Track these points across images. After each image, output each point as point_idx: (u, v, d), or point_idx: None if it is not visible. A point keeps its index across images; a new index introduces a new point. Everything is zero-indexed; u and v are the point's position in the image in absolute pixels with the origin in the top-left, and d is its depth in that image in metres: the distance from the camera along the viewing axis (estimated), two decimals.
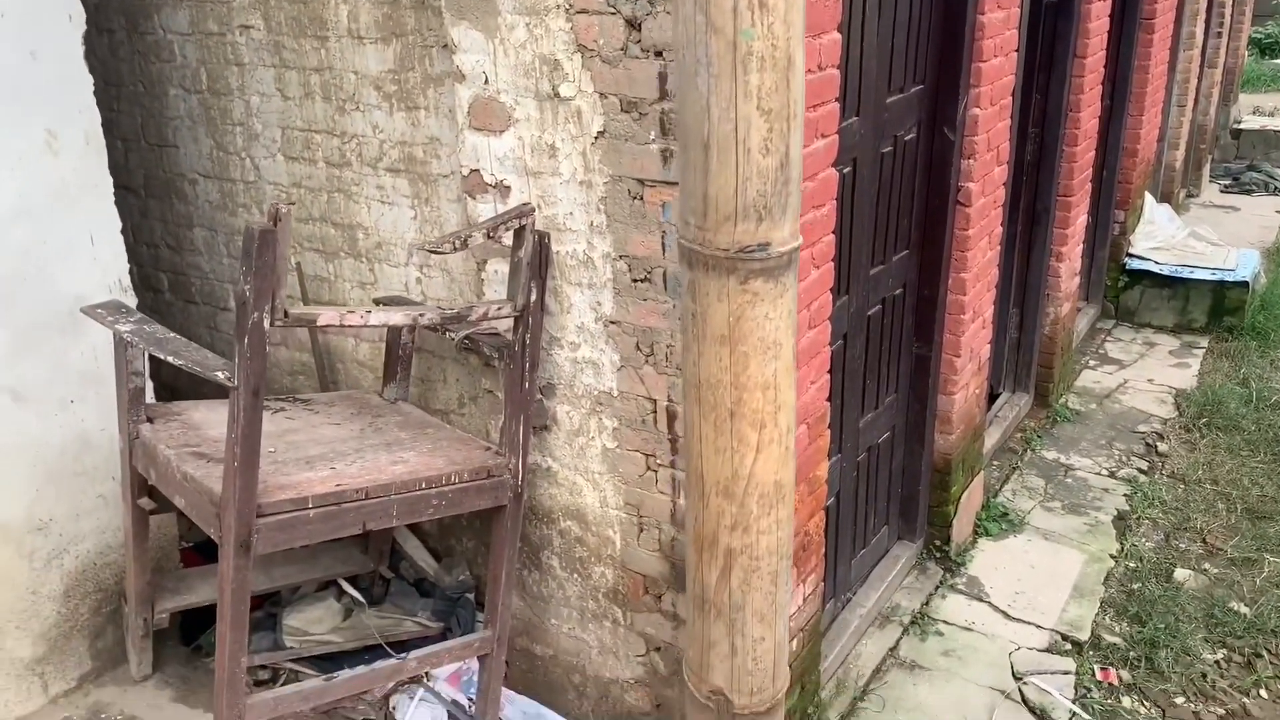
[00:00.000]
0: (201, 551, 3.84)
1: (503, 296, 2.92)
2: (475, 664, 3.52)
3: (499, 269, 2.98)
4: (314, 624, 3.56)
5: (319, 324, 2.41)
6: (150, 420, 2.84)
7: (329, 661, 3.45)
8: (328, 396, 3.32)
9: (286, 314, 2.33)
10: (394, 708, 3.38)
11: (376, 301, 3.32)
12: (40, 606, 3.06)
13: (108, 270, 3.06)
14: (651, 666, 3.14)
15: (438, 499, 2.74)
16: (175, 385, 4.26)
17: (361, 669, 2.78)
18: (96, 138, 3.00)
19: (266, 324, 2.28)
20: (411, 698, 3.38)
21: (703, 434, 0.99)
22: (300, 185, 3.53)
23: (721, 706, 1.10)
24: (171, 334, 2.56)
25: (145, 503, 2.90)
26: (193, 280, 4.11)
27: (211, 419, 2.94)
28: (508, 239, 2.85)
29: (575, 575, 3.21)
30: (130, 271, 3.22)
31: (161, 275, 4.21)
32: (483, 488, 2.83)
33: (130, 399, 2.77)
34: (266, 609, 3.75)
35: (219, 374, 2.33)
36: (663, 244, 2.66)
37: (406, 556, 3.72)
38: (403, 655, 2.85)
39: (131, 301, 3.13)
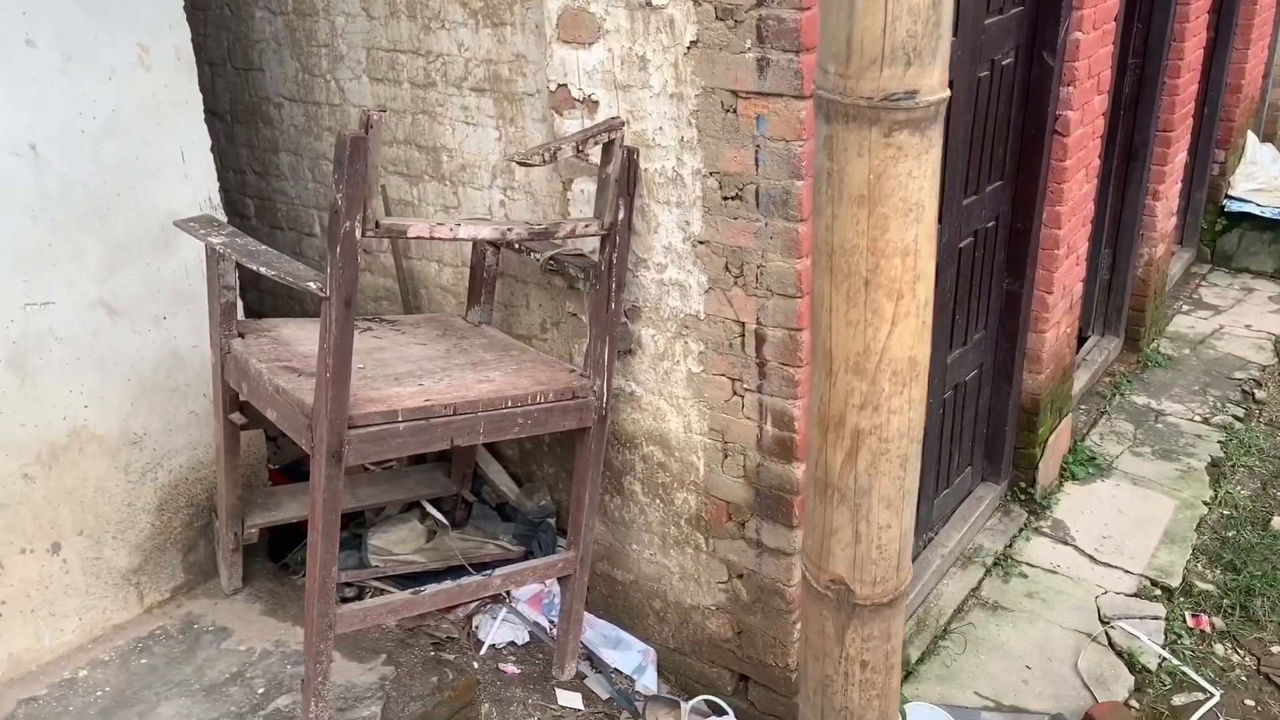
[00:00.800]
0: (288, 473, 3.90)
1: (554, 218, 2.88)
2: (556, 588, 3.54)
3: (585, 188, 2.94)
4: (398, 545, 3.60)
5: (409, 235, 2.39)
6: (241, 335, 2.87)
7: (412, 581, 3.49)
8: (413, 318, 3.32)
9: (377, 224, 2.32)
10: (476, 627, 3.42)
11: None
12: (136, 518, 3.13)
13: (198, 188, 3.08)
14: (734, 593, 3.12)
15: (523, 418, 2.73)
16: (260, 311, 4.32)
17: (448, 583, 2.80)
18: (187, 54, 3.00)
19: (358, 233, 2.27)
20: (494, 618, 3.41)
21: (833, 305, 0.93)
22: (385, 107, 3.51)
23: (841, 596, 1.05)
24: (263, 246, 2.57)
25: (236, 418, 2.94)
26: (279, 206, 4.14)
27: (301, 336, 2.96)
28: (595, 156, 2.80)
29: (657, 501, 3.19)
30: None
31: (248, 201, 4.25)
32: (568, 409, 2.81)
33: (222, 313, 2.80)
34: (352, 529, 3.80)
35: (311, 284, 2.33)
36: (756, 158, 2.59)
37: (488, 481, 3.73)
38: (487, 573, 2.86)
39: (220, 217, 3.15)
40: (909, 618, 3.65)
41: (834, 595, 1.07)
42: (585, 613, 3.26)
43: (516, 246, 3.08)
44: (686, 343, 2.92)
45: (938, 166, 0.93)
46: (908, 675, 3.95)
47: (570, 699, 3.21)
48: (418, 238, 2.45)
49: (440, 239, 2.45)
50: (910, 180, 0.89)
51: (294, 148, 3.95)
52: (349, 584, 3.49)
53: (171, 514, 3.23)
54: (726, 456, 2.97)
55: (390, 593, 3.49)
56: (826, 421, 1.01)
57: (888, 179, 0.88)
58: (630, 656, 3.37)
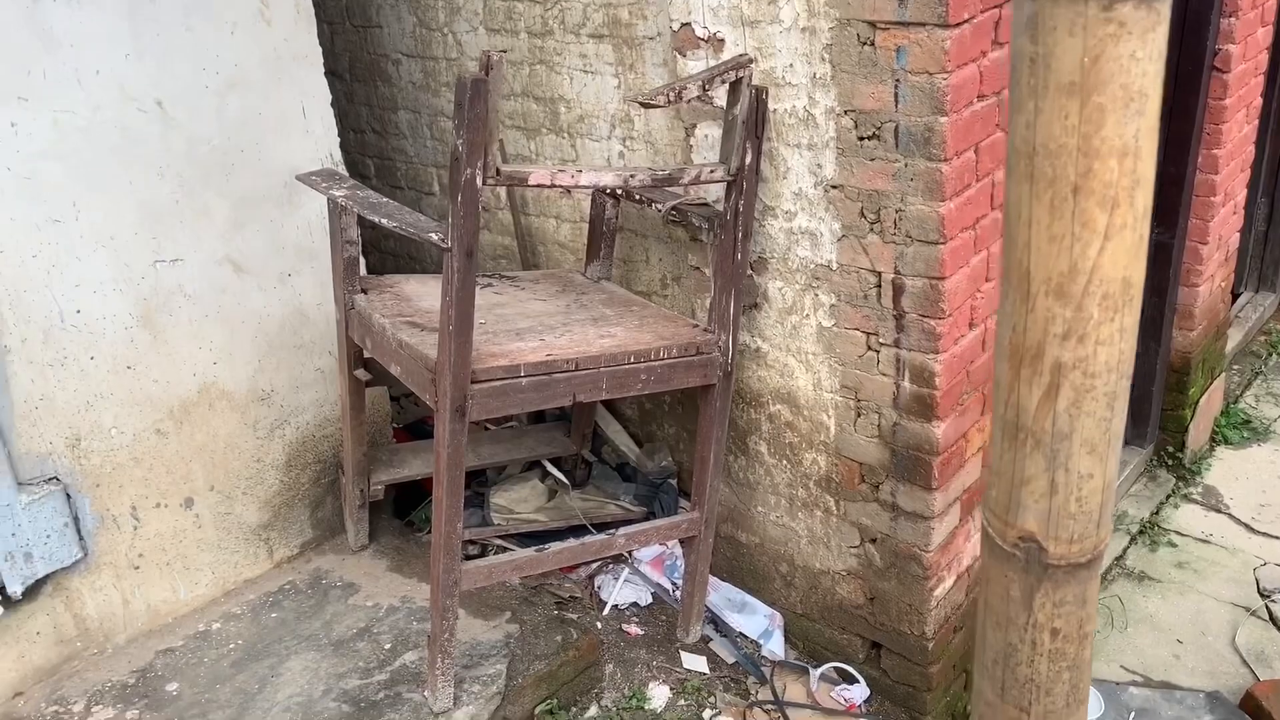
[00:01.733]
0: (412, 432, 3.91)
1: (678, 164, 2.76)
2: (678, 550, 3.46)
3: (710, 133, 2.82)
4: (519, 503, 3.57)
5: (529, 182, 2.31)
6: (364, 291, 2.84)
7: (533, 540, 3.46)
8: (532, 274, 3.26)
9: (498, 171, 2.24)
10: (599, 587, 3.36)
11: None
12: (265, 475, 3.16)
13: (319, 143, 3.07)
14: (866, 558, 2.98)
15: (646, 374, 2.64)
16: (381, 270, 4.32)
17: (572, 541, 2.74)
18: (306, 8, 2.98)
19: (479, 181, 2.20)
20: (616, 578, 3.35)
21: (1033, 218, 0.80)
22: (505, 52, 3.44)
23: (1031, 555, 0.93)
24: (384, 199, 2.52)
25: (361, 374, 2.93)
26: (398, 165, 4.13)
27: (422, 291, 2.92)
28: (720, 99, 2.68)
29: (784, 462, 3.07)
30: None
31: (368, 161, 4.25)
32: (691, 364, 2.71)
33: (345, 268, 2.77)
34: (474, 488, 3.79)
35: (432, 235, 2.27)
36: (895, 94, 2.42)
37: (608, 440, 3.67)
38: (610, 532, 2.79)
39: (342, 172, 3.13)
40: None
41: (1022, 554, 0.95)
42: (709, 575, 3.17)
43: (637, 198, 2.98)
44: (817, 295, 2.78)
45: (1164, 47, 0.78)
46: None
47: (695, 662, 3.13)
48: (538, 185, 2.37)
49: (561, 186, 2.37)
50: (1133, 63, 0.75)
51: (412, 105, 3.92)
52: (472, 541, 3.47)
53: (299, 470, 3.25)
54: (859, 415, 2.83)
55: (513, 550, 3.47)
56: (1020, 355, 0.88)
57: (1105, 62, 0.74)
58: (756, 621, 3.27)
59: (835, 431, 2.90)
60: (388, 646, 2.90)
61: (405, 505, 3.62)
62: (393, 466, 3.29)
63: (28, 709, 2.76)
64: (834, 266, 2.71)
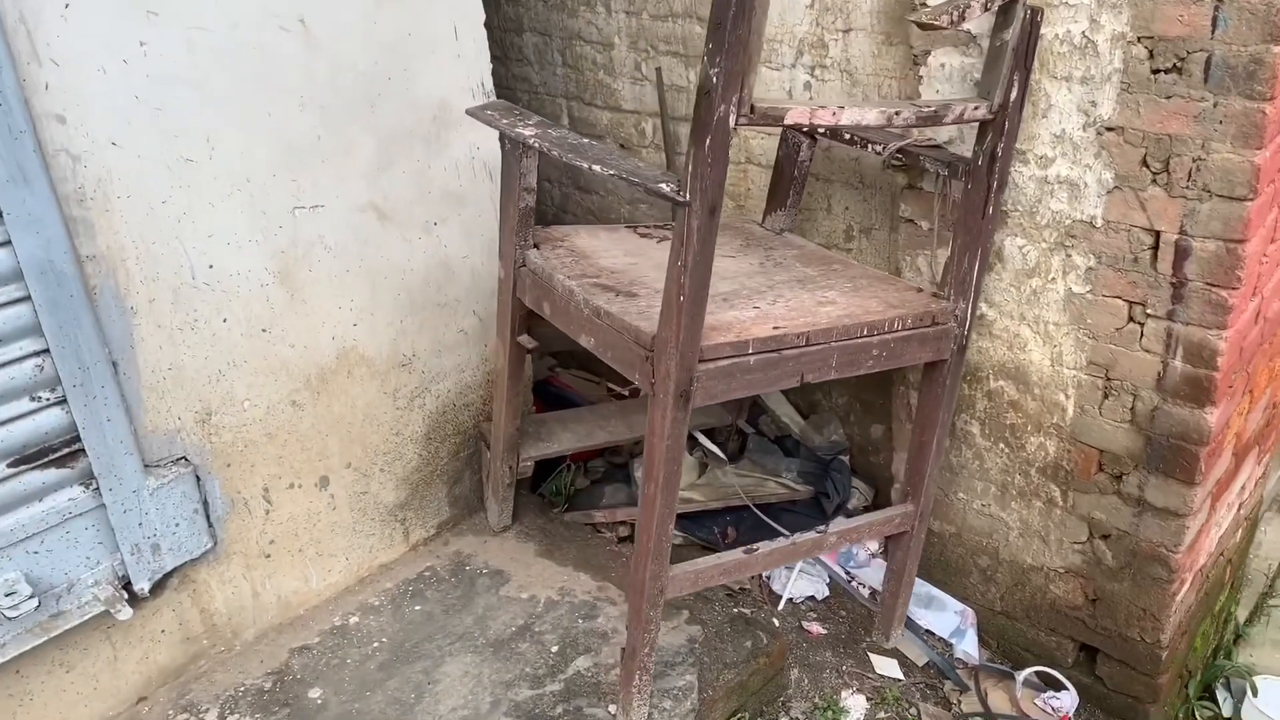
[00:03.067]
0: (538, 395, 3.54)
1: (942, 98, 2.33)
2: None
3: (948, 62, 2.39)
4: None
5: (785, 121, 1.89)
6: (536, 246, 2.45)
7: (690, 521, 3.11)
8: None
9: (754, 108, 1.83)
10: (769, 579, 3.01)
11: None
12: (403, 449, 2.80)
13: (470, 69, 2.64)
14: (1093, 556, 2.61)
15: (879, 349, 2.24)
16: None
17: (781, 542, 2.37)
18: None
19: (732, 120, 1.79)
20: (789, 569, 3.00)
21: None
22: None
23: None
24: (585, 139, 2.11)
25: (526, 340, 2.54)
26: (519, 94, 3.70)
27: (596, 246, 2.52)
28: (971, 24, 2.24)
29: (1001, 445, 2.69)
30: None
31: None
32: (925, 338, 2.31)
33: (519, 219, 2.37)
34: (606, 458, 3.44)
35: (663, 186, 1.86)
36: (1214, 18, 1.99)
37: (768, 410, 3.29)
38: (821, 530, 2.42)
39: None
40: (1214, 566, 3.09)
41: None
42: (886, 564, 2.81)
43: (847, 138, 2.55)
44: (1069, 256, 2.37)
45: None
46: (1236, 638, 3.42)
47: (887, 666, 2.79)
48: (794, 126, 1.95)
49: (821, 125, 1.95)
50: None
51: (541, 26, 3.47)
52: (621, 522, 3.12)
53: (439, 443, 2.89)
54: (1107, 397, 2.44)
55: (717, 553, 3.11)
56: None
57: None
58: (946, 618, 2.92)
59: (1073, 414, 2.51)
60: (555, 650, 2.55)
61: (537, 475, 3.26)
62: (540, 440, 2.92)
63: (154, 715, 2.44)
64: (1097, 223, 2.30)
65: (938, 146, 2.44)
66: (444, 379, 2.84)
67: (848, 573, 3.03)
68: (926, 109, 2.05)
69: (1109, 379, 2.42)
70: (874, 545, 3.13)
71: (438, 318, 2.77)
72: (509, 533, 2.99)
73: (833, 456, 3.13)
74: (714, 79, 1.75)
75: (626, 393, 3.64)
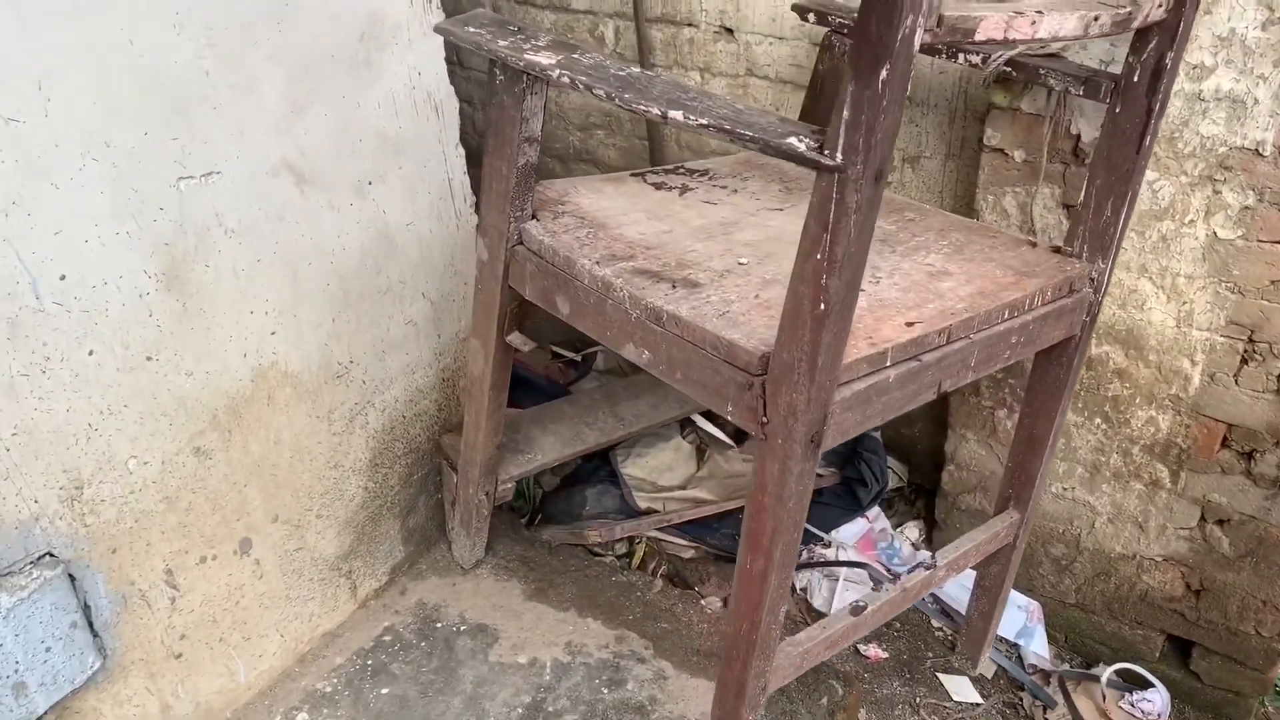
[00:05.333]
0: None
1: None
2: (883, 523, 2.62)
3: None
4: (663, 473, 2.63)
5: (977, 36, 1.27)
6: (534, 216, 1.76)
7: (697, 526, 2.55)
8: (723, 163, 2.20)
9: (941, 19, 1.20)
10: (804, 589, 2.50)
11: (800, 9, 2.14)
12: (344, 484, 2.11)
13: None
14: (1205, 543, 2.20)
15: (1018, 336, 1.70)
16: None
17: (890, 592, 1.82)
18: None
19: (917, 39, 1.16)
20: (825, 576, 2.49)
21: None
22: None
23: None
24: (635, 70, 1.43)
25: (518, 340, 1.87)
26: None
27: (609, 209, 1.86)
28: None
29: (1096, 421, 2.22)
30: None
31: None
32: (1062, 311, 1.78)
33: (518, 179, 1.67)
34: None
35: (797, 143, 1.23)
36: None
37: None
38: (929, 562, 1.89)
39: (436, 18, 1.97)
40: None
41: None
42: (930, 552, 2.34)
43: (941, 49, 1.94)
44: (1218, 192, 1.87)
45: None
46: None
47: (961, 688, 2.33)
48: (987, 42, 1.32)
49: (1018, 40, 1.34)
50: None
51: None
52: (620, 540, 2.53)
53: (387, 469, 2.21)
54: (1247, 362, 1.98)
55: (672, 544, 2.55)
56: None
57: None
58: (1011, 615, 2.48)
59: (1199, 383, 2.05)
60: None
61: None
62: (519, 451, 2.27)
63: None
64: (1265, 150, 1.79)
65: (1055, 56, 1.87)
66: (390, 386, 2.15)
67: (891, 571, 2.55)
68: (1121, 10, 1.46)
69: (1253, 341, 1.96)
70: (915, 533, 2.66)
71: (379, 308, 2.06)
72: (482, 568, 2.35)
73: (862, 434, 2.60)
74: None
75: (579, 359, 3.01)
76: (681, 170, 2.11)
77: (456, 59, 3.09)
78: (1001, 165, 2.08)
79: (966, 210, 2.21)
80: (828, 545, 2.58)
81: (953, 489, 2.52)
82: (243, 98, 1.69)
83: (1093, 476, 2.28)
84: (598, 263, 1.63)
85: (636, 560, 2.51)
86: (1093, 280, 1.82)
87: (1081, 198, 1.81)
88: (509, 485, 2.21)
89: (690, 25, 2.50)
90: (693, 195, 1.98)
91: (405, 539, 2.32)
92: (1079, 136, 1.96)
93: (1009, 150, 2.05)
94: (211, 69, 1.63)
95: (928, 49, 1.79)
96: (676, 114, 1.31)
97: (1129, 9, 1.47)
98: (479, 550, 2.33)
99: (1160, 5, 1.56)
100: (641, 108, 1.35)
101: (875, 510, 2.64)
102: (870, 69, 1.16)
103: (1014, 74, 1.86)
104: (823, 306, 1.28)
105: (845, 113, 1.19)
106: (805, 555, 2.55)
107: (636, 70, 1.43)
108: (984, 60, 1.86)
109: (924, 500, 2.73)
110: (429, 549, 2.38)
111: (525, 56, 1.47)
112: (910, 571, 1.87)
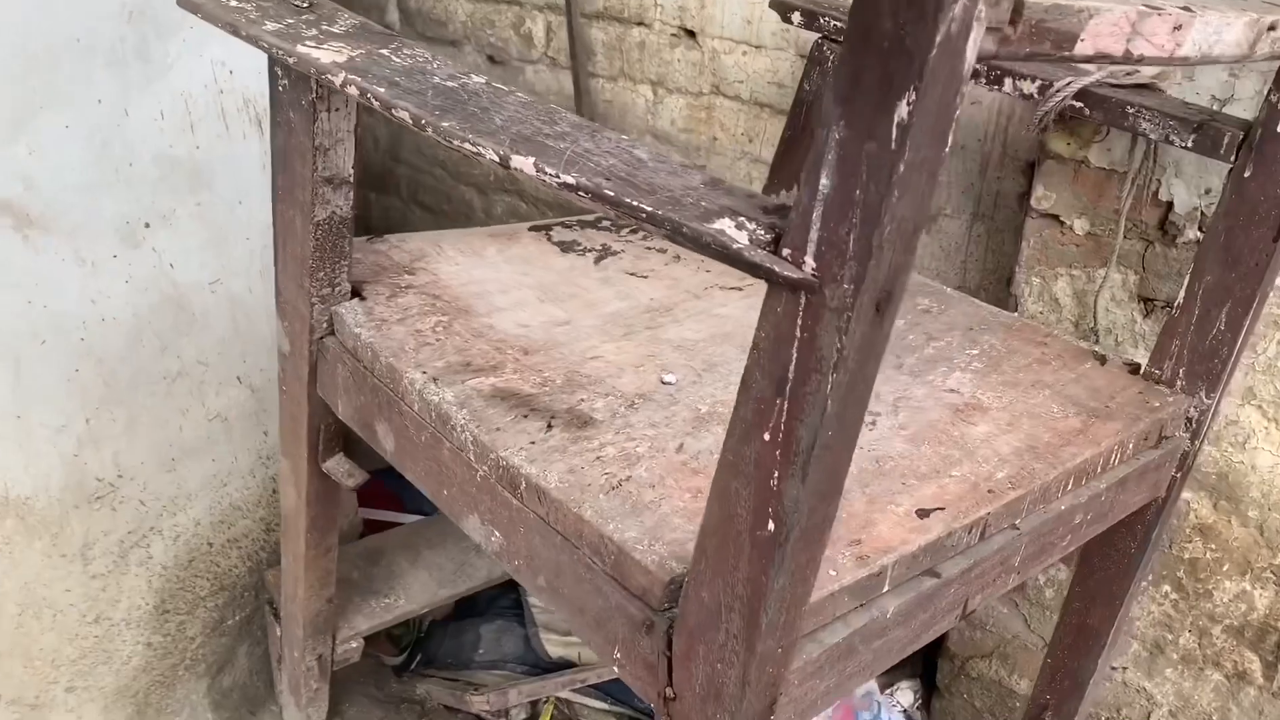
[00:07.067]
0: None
1: None
2: (872, 686, 2.03)
3: None
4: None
5: (1078, 49, 0.68)
6: (359, 295, 1.16)
7: (620, 682, 1.94)
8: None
9: (1019, 11, 0.60)
10: None
11: (781, 6, 1.55)
12: (112, 642, 1.50)
13: None
14: None
15: (1084, 514, 1.10)
16: None
17: None
18: None
19: (973, 44, 0.56)
20: None
21: None
22: None
23: None
24: (476, 78, 0.84)
25: (343, 471, 1.26)
26: None
27: (477, 281, 1.26)
28: None
29: (1165, 586, 1.63)
30: None
31: None
32: (1145, 470, 1.19)
33: (317, 241, 1.07)
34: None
35: (733, 232, 0.63)
36: None
37: None
38: None
39: None
40: None
41: None
42: None
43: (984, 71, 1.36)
44: None
45: None
46: None
47: None
48: (1096, 55, 0.75)
49: (1150, 58, 0.77)
50: None
51: None
52: (518, 705, 1.92)
53: (184, 615, 1.60)
54: None
55: (593, 708, 1.96)
56: None
57: None
58: None
59: None
60: None
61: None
62: (375, 592, 1.67)
63: None
64: None
65: (1148, 87, 1.28)
66: (187, 506, 1.54)
67: None
68: None
69: None
70: (909, 698, 2.06)
71: (165, 401, 1.45)
72: None
73: None
74: None
75: None
76: (606, 223, 1.51)
77: None
78: (1055, 237, 1.48)
79: (999, 291, 1.63)
80: None
81: (962, 651, 1.92)
82: None
83: (1153, 657, 1.69)
84: (435, 378, 1.03)
85: None
86: (1189, 421, 1.23)
87: (1181, 297, 1.22)
88: (354, 645, 1.60)
89: (641, 24, 1.91)
90: (614, 262, 1.39)
91: (216, 704, 1.70)
92: (1170, 205, 1.37)
93: (1066, 217, 1.46)
94: None
95: (986, 64, 1.20)
96: (524, 162, 0.71)
97: None
98: (320, 718, 1.72)
99: None
100: (469, 146, 0.75)
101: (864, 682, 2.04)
102: (878, 99, 0.57)
103: (1088, 112, 1.27)
104: (771, 527, 0.69)
105: (824, 179, 0.60)
106: None
107: (480, 82, 0.83)
108: (1042, 89, 1.26)
109: (921, 655, 2.13)
110: (255, 712, 1.77)
111: (299, 50, 0.87)
112: None
